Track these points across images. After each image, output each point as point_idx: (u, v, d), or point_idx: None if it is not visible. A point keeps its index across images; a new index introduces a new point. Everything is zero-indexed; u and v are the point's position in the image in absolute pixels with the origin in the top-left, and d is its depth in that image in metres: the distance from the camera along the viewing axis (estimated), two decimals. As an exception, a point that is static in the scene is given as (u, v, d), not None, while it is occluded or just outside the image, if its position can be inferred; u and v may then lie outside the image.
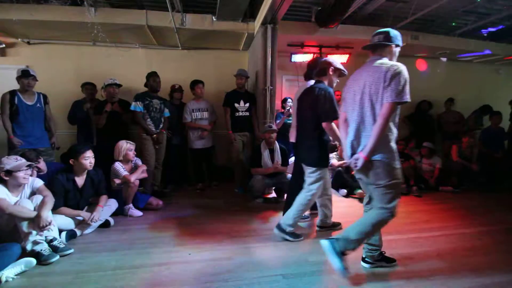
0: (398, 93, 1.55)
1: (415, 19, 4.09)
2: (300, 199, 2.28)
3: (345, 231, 1.76)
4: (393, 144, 1.65)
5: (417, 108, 5.10)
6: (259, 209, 3.14)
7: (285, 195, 3.02)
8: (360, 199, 3.58)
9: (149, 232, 2.45)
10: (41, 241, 1.94)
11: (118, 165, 2.89)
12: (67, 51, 4.26)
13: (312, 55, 4.36)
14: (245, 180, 3.66)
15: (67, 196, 2.40)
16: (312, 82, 2.53)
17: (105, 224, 2.54)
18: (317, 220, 2.62)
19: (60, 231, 2.20)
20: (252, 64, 4.32)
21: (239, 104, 3.78)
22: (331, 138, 2.30)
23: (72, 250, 2.04)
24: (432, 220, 2.87)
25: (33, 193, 2.15)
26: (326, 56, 4.24)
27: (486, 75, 5.68)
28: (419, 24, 4.41)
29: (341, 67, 2.30)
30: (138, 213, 2.88)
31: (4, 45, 4.11)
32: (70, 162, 2.45)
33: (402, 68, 1.60)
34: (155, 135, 3.39)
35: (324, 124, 2.16)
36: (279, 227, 2.30)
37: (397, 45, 1.75)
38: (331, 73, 2.27)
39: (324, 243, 1.72)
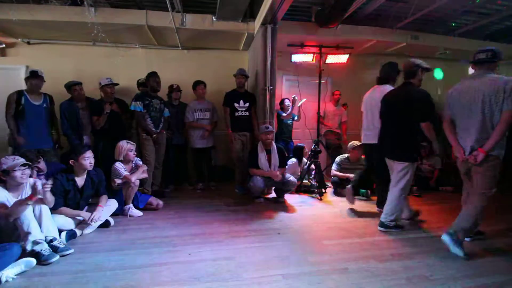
0: None
1: (415, 19, 4.09)
2: (393, 193, 2.51)
3: (455, 223, 2.10)
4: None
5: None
6: (259, 209, 3.14)
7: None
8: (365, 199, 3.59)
9: (149, 232, 2.45)
10: (41, 241, 1.93)
11: (119, 165, 2.89)
12: (67, 51, 4.27)
13: (312, 55, 4.35)
14: (245, 180, 3.67)
15: (67, 196, 2.40)
16: (386, 86, 2.91)
17: (105, 224, 2.54)
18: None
19: (60, 231, 2.20)
20: (252, 64, 4.33)
21: (238, 104, 3.78)
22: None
23: (72, 250, 2.03)
24: (432, 220, 2.87)
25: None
26: (326, 57, 4.34)
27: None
28: (419, 24, 4.41)
29: (428, 66, 2.53)
30: (138, 213, 2.88)
31: (4, 45, 4.11)
32: (70, 162, 2.45)
33: None
34: (155, 135, 3.39)
35: (423, 124, 2.37)
36: (382, 225, 2.53)
37: (499, 60, 2.09)
38: (420, 74, 2.49)
39: (445, 237, 2.07)
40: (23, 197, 2.08)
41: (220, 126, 4.08)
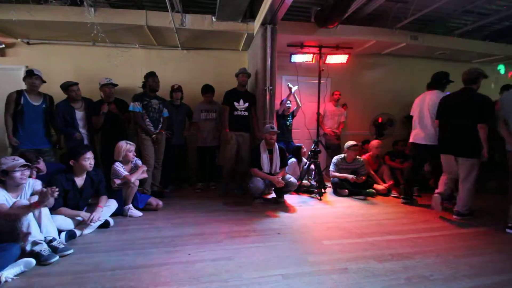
0: None
1: (414, 19, 4.10)
2: (465, 187, 2.83)
3: None
4: None
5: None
6: (259, 210, 3.14)
7: (437, 197, 3.11)
8: (363, 199, 3.59)
9: (148, 233, 2.45)
10: (41, 241, 1.93)
11: (119, 165, 2.89)
12: (67, 51, 4.26)
13: (312, 55, 4.35)
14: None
15: (66, 196, 2.40)
16: (435, 91, 3.29)
17: (105, 225, 2.54)
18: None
19: (60, 231, 2.20)
20: (252, 64, 4.33)
21: (238, 103, 3.76)
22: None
23: (71, 251, 2.03)
24: (431, 220, 2.88)
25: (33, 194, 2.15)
26: (326, 57, 4.34)
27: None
28: (418, 25, 4.41)
29: (486, 73, 2.90)
30: (138, 213, 2.88)
31: (3, 45, 4.10)
32: (70, 163, 2.45)
33: None
34: (154, 135, 3.39)
35: (480, 125, 2.69)
36: (458, 214, 2.86)
37: None
38: (480, 81, 2.85)
39: None
40: (22, 198, 2.08)
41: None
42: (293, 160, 4.04)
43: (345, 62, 4.56)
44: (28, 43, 4.15)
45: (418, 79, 5.44)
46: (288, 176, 3.45)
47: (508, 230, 2.52)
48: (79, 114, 3.39)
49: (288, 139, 4.43)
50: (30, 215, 1.96)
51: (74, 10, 3.41)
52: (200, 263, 1.91)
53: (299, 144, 4.24)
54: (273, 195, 3.60)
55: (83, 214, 2.41)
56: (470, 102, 2.79)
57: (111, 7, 3.67)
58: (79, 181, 2.49)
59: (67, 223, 2.33)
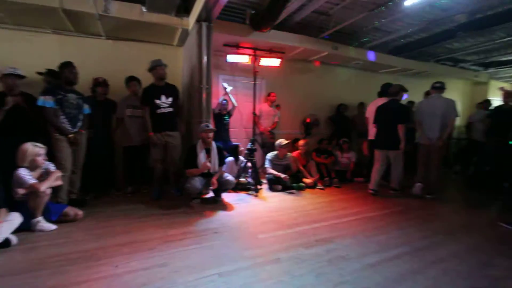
0: None
1: (335, 31, 4.64)
2: (397, 171, 3.81)
3: None
4: None
5: (336, 110, 5.83)
6: (196, 210, 3.08)
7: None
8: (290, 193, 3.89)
9: (64, 248, 2.13)
10: None
11: (23, 172, 2.42)
12: None
13: (247, 56, 4.48)
14: (180, 181, 3.54)
15: None
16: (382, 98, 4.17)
17: (5, 244, 2.10)
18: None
19: None
20: (187, 62, 4.19)
21: (160, 99, 3.37)
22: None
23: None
24: (349, 207, 3.33)
25: None
26: (260, 59, 4.53)
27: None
28: (338, 37, 5.01)
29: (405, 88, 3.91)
30: (51, 226, 2.47)
31: None
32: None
33: None
34: (71, 135, 2.95)
35: (400, 125, 3.62)
36: (393, 189, 3.88)
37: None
38: (401, 94, 3.82)
39: None
40: None
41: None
42: (230, 158, 4.10)
43: (278, 65, 4.84)
44: None
45: (340, 84, 6.24)
46: (226, 174, 3.48)
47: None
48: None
49: (226, 138, 4.46)
50: None
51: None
52: (130, 274, 1.78)
53: (237, 143, 4.32)
54: (211, 194, 3.58)
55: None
56: (393, 110, 3.72)
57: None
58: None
59: None
